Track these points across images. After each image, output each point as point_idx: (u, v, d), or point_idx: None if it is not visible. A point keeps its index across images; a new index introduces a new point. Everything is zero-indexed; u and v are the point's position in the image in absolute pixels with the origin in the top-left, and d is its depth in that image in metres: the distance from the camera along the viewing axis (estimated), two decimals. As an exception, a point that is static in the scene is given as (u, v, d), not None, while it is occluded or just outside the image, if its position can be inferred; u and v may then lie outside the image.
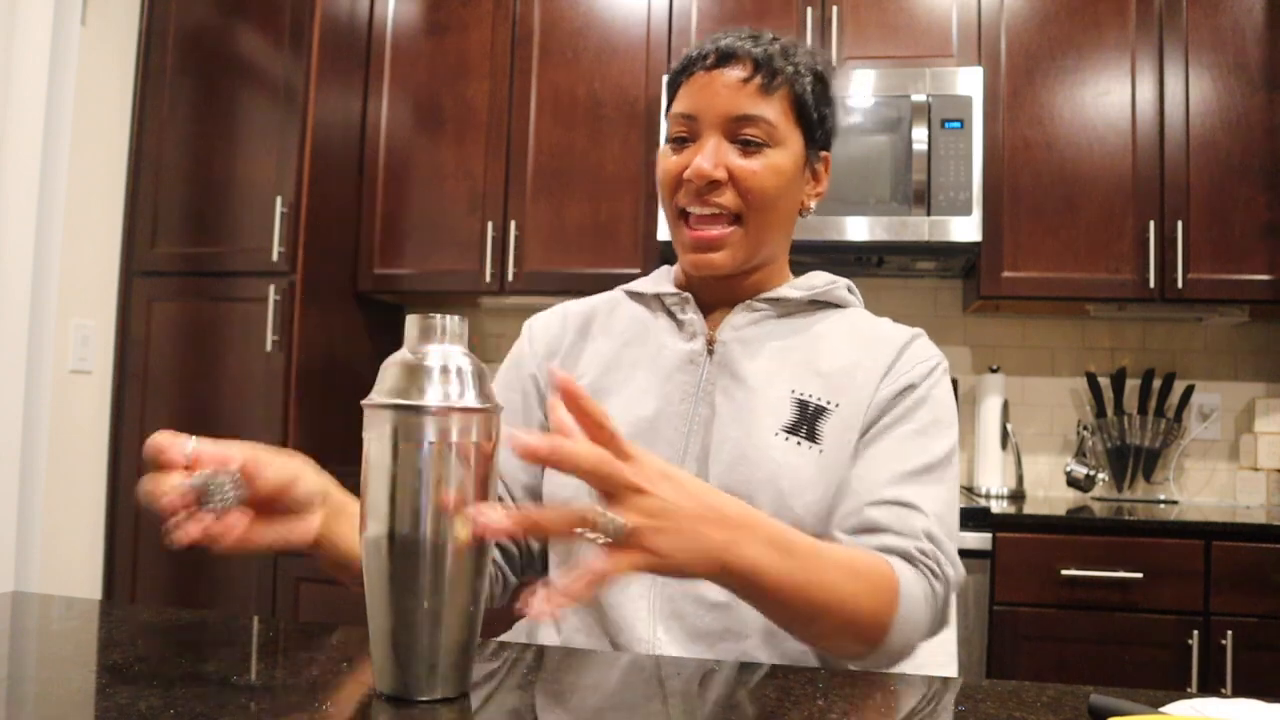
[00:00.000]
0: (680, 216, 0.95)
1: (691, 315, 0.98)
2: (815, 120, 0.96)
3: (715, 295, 1.00)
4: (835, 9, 2.50)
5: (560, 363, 1.03)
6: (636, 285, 1.07)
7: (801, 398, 0.93)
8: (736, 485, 0.88)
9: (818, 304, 1.01)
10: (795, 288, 1.00)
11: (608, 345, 1.02)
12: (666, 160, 0.95)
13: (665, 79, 0.99)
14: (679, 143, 0.95)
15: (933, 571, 0.84)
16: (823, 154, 1.00)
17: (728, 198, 0.92)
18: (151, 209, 2.58)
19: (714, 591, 0.86)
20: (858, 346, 0.97)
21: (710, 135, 0.92)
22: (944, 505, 0.89)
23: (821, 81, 0.97)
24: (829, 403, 0.93)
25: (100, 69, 2.54)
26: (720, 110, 0.92)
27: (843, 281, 1.03)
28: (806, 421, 0.92)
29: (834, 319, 1.00)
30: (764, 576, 0.68)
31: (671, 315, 1.01)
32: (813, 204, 1.00)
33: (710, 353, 0.97)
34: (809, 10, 2.50)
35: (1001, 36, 2.44)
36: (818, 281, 1.02)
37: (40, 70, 2.25)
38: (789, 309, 0.99)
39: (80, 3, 2.40)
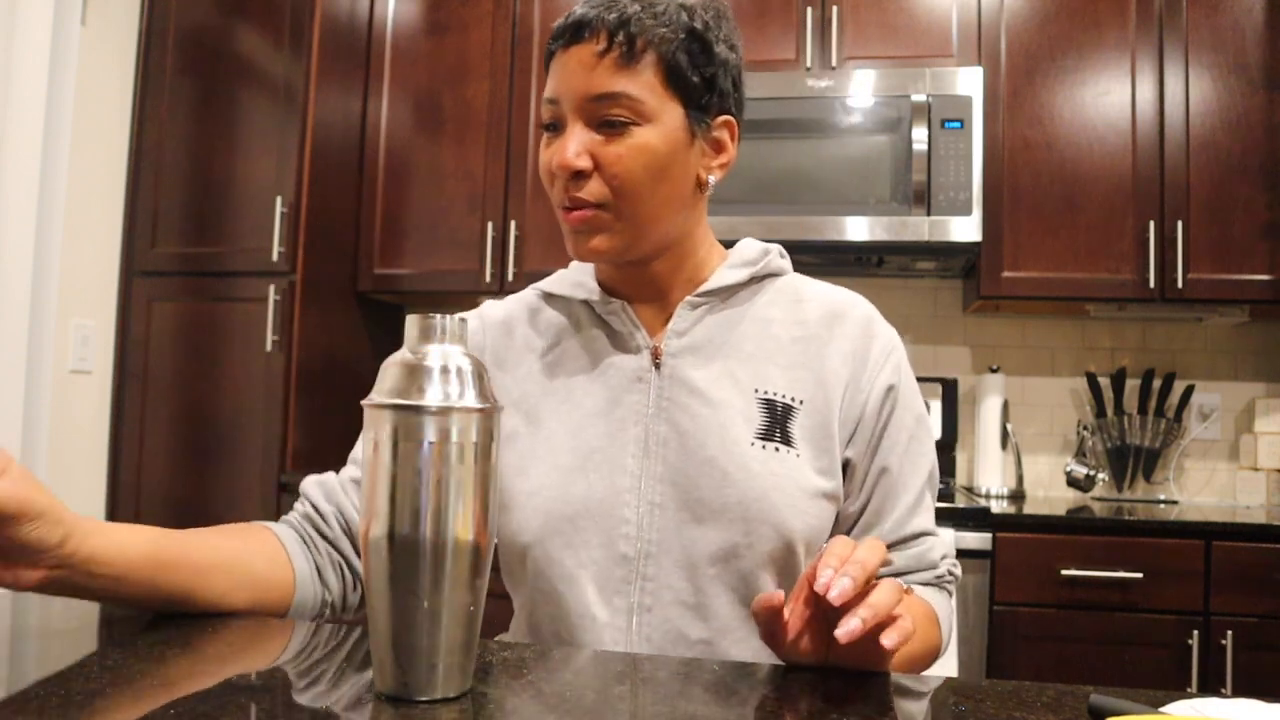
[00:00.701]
0: (560, 206, 0.87)
1: (631, 327, 0.91)
2: (696, 85, 0.85)
3: (644, 291, 0.92)
4: (835, 9, 2.50)
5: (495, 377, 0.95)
6: (553, 286, 0.97)
7: (767, 397, 0.88)
8: (732, 507, 0.84)
9: (759, 280, 0.95)
10: (732, 268, 0.93)
11: (538, 363, 0.94)
12: (541, 153, 0.88)
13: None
14: (550, 130, 0.87)
15: (951, 584, 0.94)
16: (721, 119, 0.89)
17: (593, 188, 0.83)
18: (151, 209, 2.58)
19: (695, 629, 0.85)
20: (809, 325, 0.92)
21: (573, 121, 0.84)
22: (933, 505, 0.94)
23: (698, 39, 0.84)
24: (794, 399, 0.88)
25: (100, 69, 2.54)
26: (578, 92, 0.83)
27: (774, 248, 0.97)
28: (778, 423, 0.87)
29: (772, 292, 0.95)
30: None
31: (605, 323, 0.93)
32: (712, 177, 0.89)
33: (658, 365, 0.90)
34: (809, 10, 2.50)
35: (1001, 36, 2.44)
36: (751, 254, 0.95)
37: (40, 70, 2.25)
38: (731, 294, 0.93)
39: (80, 3, 2.40)
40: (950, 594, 0.94)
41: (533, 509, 0.88)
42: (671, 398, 0.88)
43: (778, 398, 0.88)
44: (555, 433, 0.90)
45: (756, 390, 0.88)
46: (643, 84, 0.83)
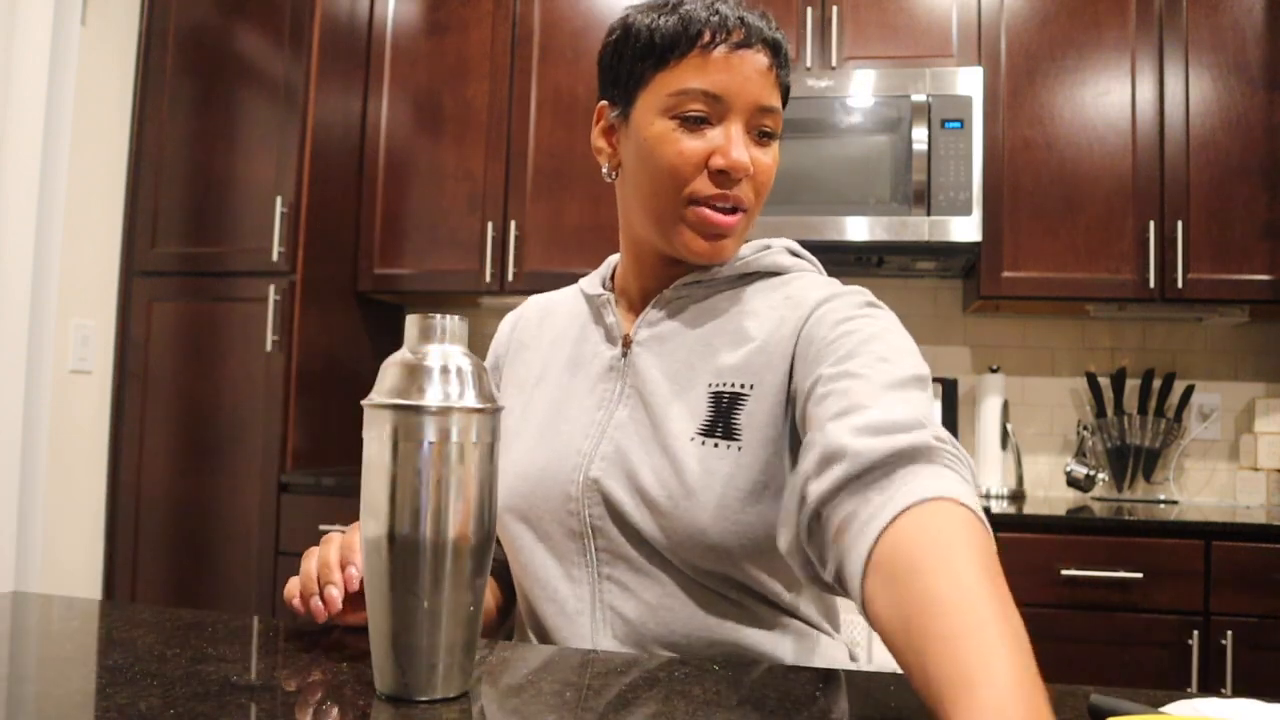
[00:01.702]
0: (689, 202, 0.86)
1: (611, 319, 0.95)
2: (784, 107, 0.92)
3: (652, 282, 0.94)
4: (835, 9, 2.50)
5: (521, 364, 1.02)
6: (584, 284, 1.03)
7: (717, 390, 0.86)
8: (661, 502, 0.83)
9: (748, 276, 0.93)
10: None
11: (545, 350, 1.00)
12: (681, 142, 0.85)
13: (640, 38, 0.87)
14: (696, 123, 0.85)
15: (954, 456, 0.67)
16: None
17: (745, 190, 0.87)
18: (151, 209, 2.58)
19: (651, 593, 0.85)
20: (769, 310, 0.89)
21: (735, 122, 0.86)
22: (921, 402, 0.74)
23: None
24: (744, 385, 0.85)
25: (100, 69, 2.54)
26: (751, 98, 0.86)
27: (780, 244, 0.96)
28: (721, 416, 0.85)
29: (765, 290, 0.92)
30: None
31: (600, 314, 0.97)
32: None
33: (625, 354, 0.92)
34: (809, 10, 2.50)
35: (1001, 36, 2.44)
36: (746, 250, 0.94)
37: (40, 70, 2.25)
38: (715, 288, 0.92)
39: (80, 3, 2.40)
40: (958, 469, 0.66)
41: (501, 483, 0.90)
42: (634, 386, 0.91)
43: (727, 388, 0.86)
44: (537, 416, 0.95)
45: (710, 384, 0.87)
46: (779, 103, 0.90)
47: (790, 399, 0.84)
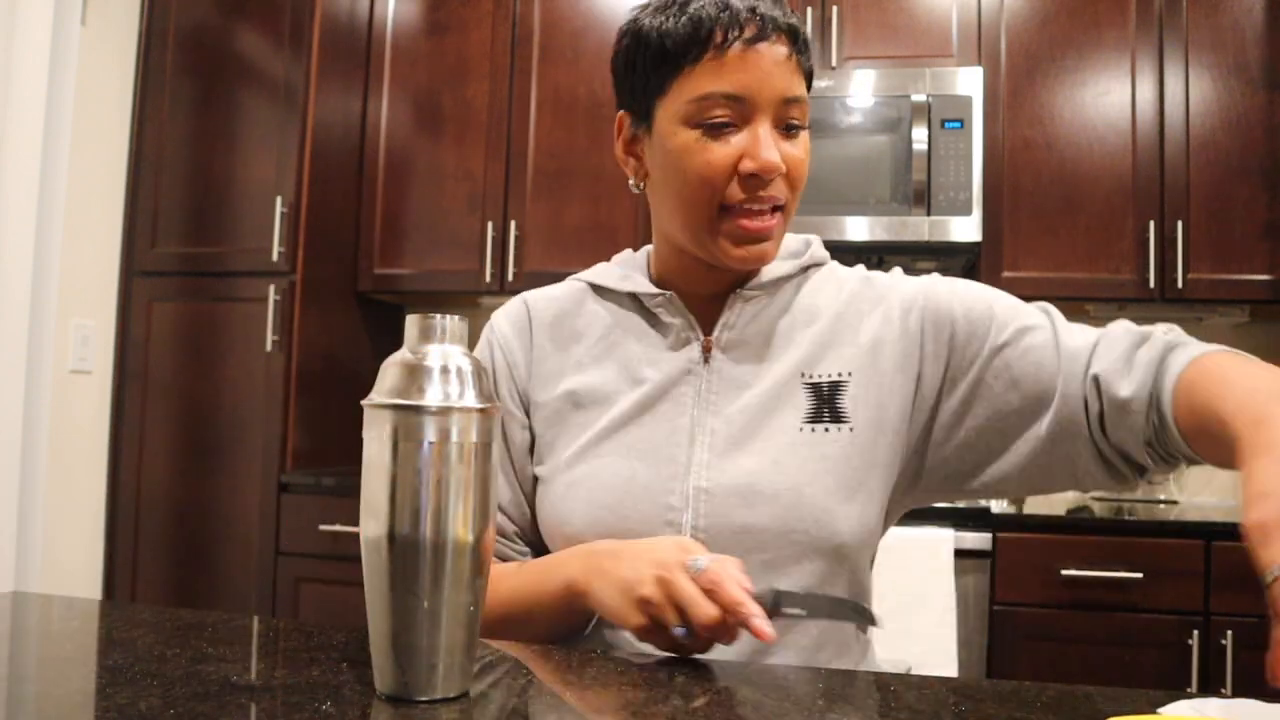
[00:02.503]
0: (722, 210, 0.84)
1: (679, 319, 0.91)
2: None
3: (699, 286, 0.91)
4: (835, 9, 2.50)
5: (534, 377, 0.94)
6: (602, 279, 0.96)
7: (813, 380, 0.88)
8: (783, 494, 0.83)
9: (806, 270, 0.94)
10: (782, 260, 0.93)
11: (587, 353, 0.93)
12: (709, 151, 0.82)
13: (651, 45, 0.85)
14: (718, 128, 0.82)
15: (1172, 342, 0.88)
16: None
17: (779, 189, 0.84)
18: (151, 209, 2.59)
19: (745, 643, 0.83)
20: (846, 302, 0.92)
21: (761, 122, 0.82)
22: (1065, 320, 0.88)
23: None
24: (841, 373, 0.88)
25: (100, 69, 2.54)
26: (776, 93, 0.82)
27: (814, 238, 0.98)
28: (825, 403, 0.87)
29: (817, 280, 0.94)
30: None
31: (653, 316, 0.92)
32: None
33: (707, 359, 0.90)
34: (809, 10, 2.50)
35: (1001, 36, 2.44)
36: (796, 245, 0.96)
37: (40, 70, 2.25)
38: (779, 285, 0.92)
39: (80, 3, 2.40)
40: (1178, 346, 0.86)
41: (576, 498, 0.88)
42: (719, 391, 0.88)
43: (823, 378, 0.88)
44: (599, 423, 0.90)
45: (803, 375, 0.88)
46: (804, 90, 0.86)
47: (919, 381, 0.89)
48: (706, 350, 0.90)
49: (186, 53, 2.60)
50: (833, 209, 2.35)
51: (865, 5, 2.50)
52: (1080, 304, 2.44)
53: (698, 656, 0.73)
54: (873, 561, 0.93)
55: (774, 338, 0.90)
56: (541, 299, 0.99)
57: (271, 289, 2.43)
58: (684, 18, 0.82)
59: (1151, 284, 2.33)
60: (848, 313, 0.91)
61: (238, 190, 2.52)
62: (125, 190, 2.62)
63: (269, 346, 2.43)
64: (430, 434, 0.58)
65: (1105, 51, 2.40)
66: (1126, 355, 0.84)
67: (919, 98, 2.36)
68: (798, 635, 0.84)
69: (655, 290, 0.92)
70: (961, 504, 2.12)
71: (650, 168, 0.90)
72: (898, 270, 0.97)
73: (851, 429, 0.86)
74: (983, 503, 2.23)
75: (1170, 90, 2.37)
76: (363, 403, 0.61)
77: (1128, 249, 2.36)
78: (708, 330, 0.91)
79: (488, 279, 2.61)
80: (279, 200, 2.45)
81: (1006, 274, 2.39)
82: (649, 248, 0.99)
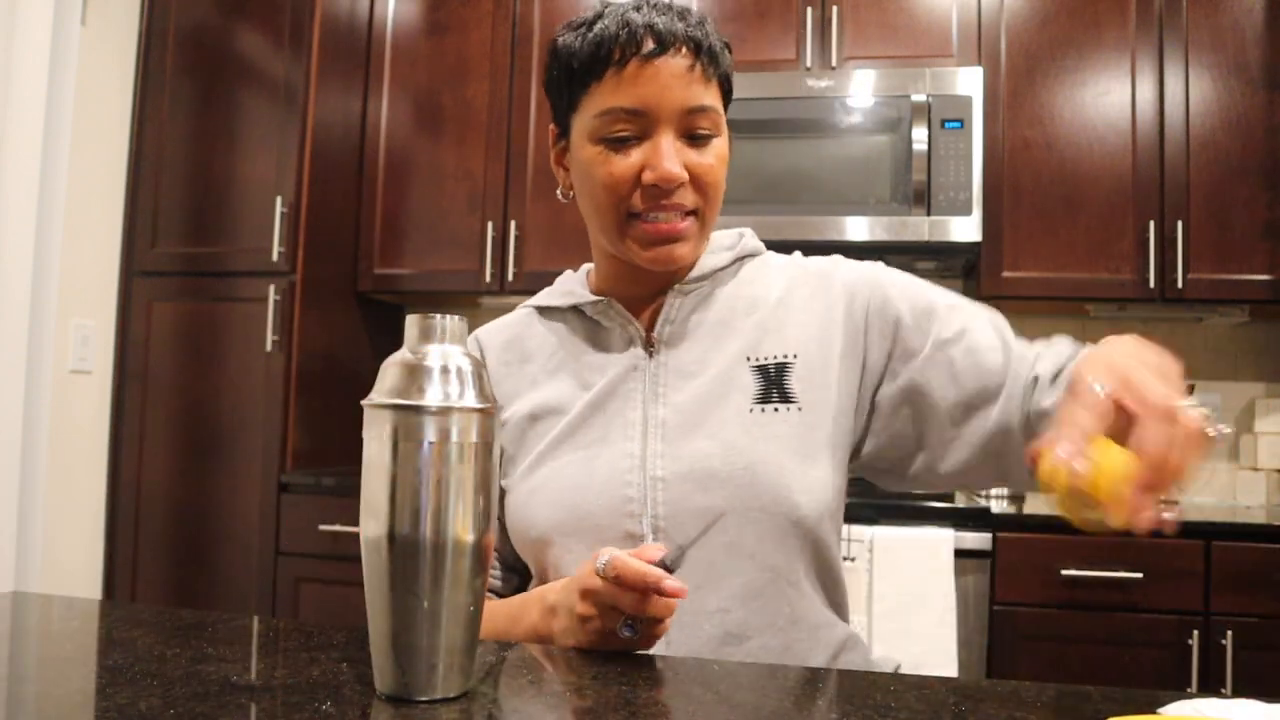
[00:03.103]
0: (629, 218, 0.89)
1: (619, 321, 0.94)
2: (730, 96, 0.92)
3: (637, 288, 0.95)
4: (835, 9, 2.50)
5: (497, 392, 0.97)
6: (546, 300, 1.01)
7: (759, 363, 0.91)
8: (738, 474, 0.86)
9: (739, 260, 0.98)
10: (714, 253, 0.97)
11: (540, 370, 0.97)
12: (611, 164, 0.87)
13: (563, 64, 0.89)
14: (620, 142, 0.87)
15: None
16: None
17: (686, 196, 0.87)
18: (151, 209, 2.58)
19: (711, 599, 0.85)
20: (784, 287, 0.96)
21: (664, 132, 0.85)
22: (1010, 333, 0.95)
23: (730, 53, 0.92)
24: (787, 356, 0.91)
25: (100, 69, 2.54)
26: (675, 104, 0.85)
27: (746, 230, 1.01)
28: (773, 384, 0.90)
29: (750, 269, 0.98)
30: None
31: (596, 324, 0.96)
32: None
33: (650, 354, 0.93)
34: (809, 10, 2.50)
35: (1001, 36, 2.44)
36: (728, 239, 0.99)
37: (40, 70, 2.25)
38: (716, 277, 0.96)
39: (80, 3, 2.40)
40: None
41: (538, 503, 0.90)
42: (667, 382, 0.92)
43: (769, 360, 0.91)
44: (555, 430, 0.93)
45: (748, 359, 0.91)
46: (715, 97, 0.88)
47: (863, 368, 0.93)
48: (650, 346, 0.94)
49: (186, 53, 2.60)
50: (833, 209, 2.35)
51: (865, 5, 2.50)
52: (1080, 304, 2.44)
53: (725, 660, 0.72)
54: (839, 533, 0.95)
55: (715, 327, 0.94)
56: (491, 329, 1.04)
57: (271, 289, 2.43)
58: (590, 35, 0.86)
59: (1151, 284, 2.33)
60: (789, 297, 0.95)
61: (238, 190, 2.51)
62: (125, 190, 2.62)
63: (269, 346, 2.43)
64: (430, 434, 0.58)
65: (1105, 51, 2.40)
66: (1058, 364, 0.89)
67: (919, 98, 2.36)
68: (766, 615, 0.86)
69: (594, 298, 0.96)
70: (961, 504, 2.12)
71: (574, 180, 0.95)
72: (837, 256, 1.01)
73: (800, 409, 0.89)
74: (983, 502, 2.23)
75: (1170, 90, 2.37)
76: (363, 403, 0.61)
77: (1128, 249, 2.36)
78: (651, 327, 0.95)
79: (488, 279, 2.61)
80: (279, 200, 2.45)
81: (1006, 274, 2.39)
82: (588, 265, 1.04)
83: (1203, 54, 2.36)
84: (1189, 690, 1.93)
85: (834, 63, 2.49)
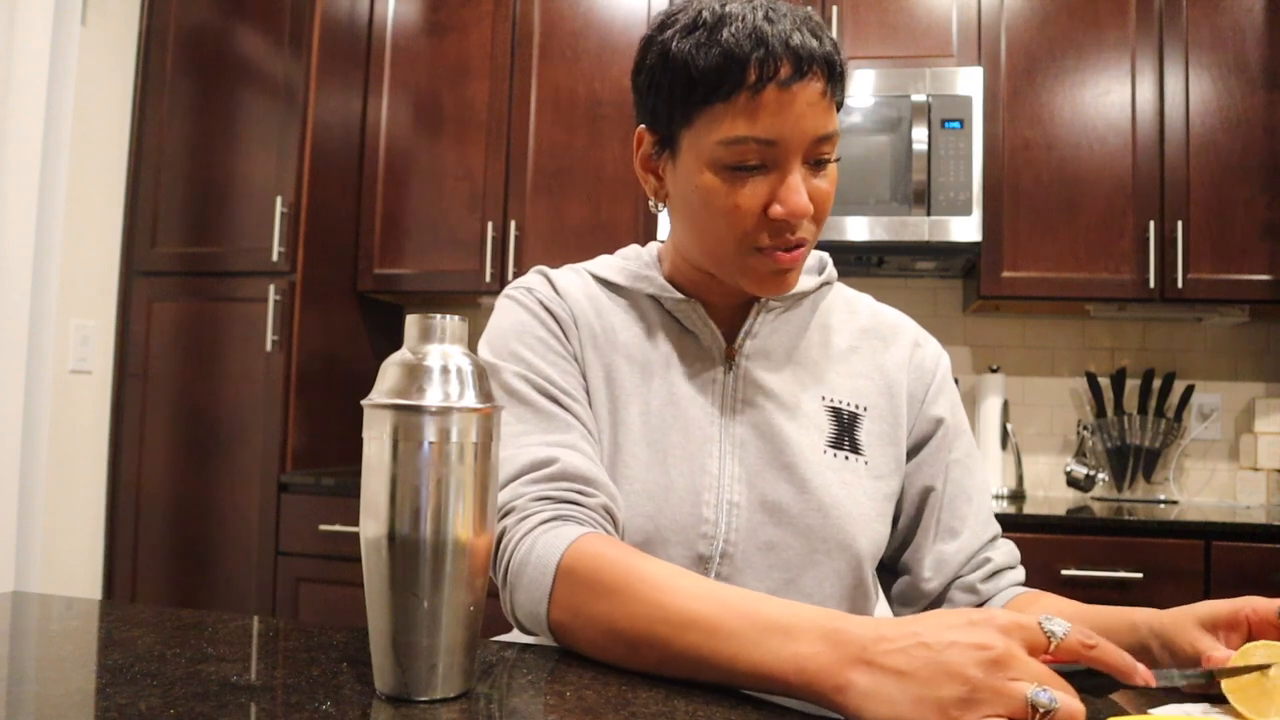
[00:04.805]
0: (751, 249, 0.82)
1: (704, 327, 0.90)
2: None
3: (719, 297, 0.91)
4: (835, 9, 2.50)
5: (592, 350, 0.90)
6: (612, 275, 0.93)
7: (834, 405, 0.90)
8: (811, 514, 0.85)
9: (822, 288, 0.96)
10: (804, 274, 0.95)
11: (608, 343, 0.90)
12: (736, 195, 0.79)
13: (678, 72, 0.80)
14: (747, 171, 0.79)
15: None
16: None
17: (807, 228, 0.82)
18: (151, 209, 2.59)
19: None
20: (863, 335, 0.96)
21: (794, 164, 0.79)
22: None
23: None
24: (858, 407, 0.91)
25: (100, 69, 2.54)
26: (808, 134, 0.78)
27: (827, 256, 0.99)
28: (845, 431, 0.89)
29: (831, 299, 0.97)
30: None
31: (674, 320, 0.92)
32: None
33: (730, 367, 0.89)
34: (809, 10, 2.50)
35: (1001, 36, 2.44)
36: (814, 262, 0.98)
37: (40, 70, 2.25)
38: (799, 300, 0.93)
39: (80, 3, 2.40)
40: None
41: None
42: (746, 399, 0.89)
43: (844, 405, 0.90)
44: (629, 419, 0.88)
45: (824, 398, 0.90)
46: (837, 120, 0.82)
47: (909, 430, 0.95)
48: (730, 358, 0.90)
49: (186, 53, 2.60)
50: (833, 209, 2.34)
51: (865, 5, 2.50)
52: (1080, 304, 2.44)
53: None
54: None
55: (794, 352, 0.92)
56: (562, 280, 0.94)
57: (271, 289, 2.43)
58: (715, 48, 0.77)
59: (1151, 284, 2.33)
60: (862, 346, 0.95)
61: (238, 190, 2.52)
62: (125, 190, 2.62)
63: (269, 346, 2.43)
64: (430, 434, 0.58)
65: (1105, 51, 2.40)
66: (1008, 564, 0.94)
67: (919, 98, 2.36)
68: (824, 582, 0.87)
69: (680, 296, 0.90)
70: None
71: (672, 192, 0.87)
72: (899, 313, 1.01)
73: (866, 463, 0.90)
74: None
75: (1170, 90, 2.37)
76: (363, 403, 0.61)
77: (1127, 249, 2.36)
78: (729, 338, 0.91)
79: (488, 279, 2.61)
80: (279, 200, 2.45)
81: (1006, 274, 2.39)
82: (656, 246, 0.98)
83: (1203, 54, 2.36)
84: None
85: (834, 63, 2.49)
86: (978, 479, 0.95)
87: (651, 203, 0.90)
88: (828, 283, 0.96)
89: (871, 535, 0.88)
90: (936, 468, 0.93)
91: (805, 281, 0.93)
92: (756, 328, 0.90)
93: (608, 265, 0.95)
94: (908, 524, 0.94)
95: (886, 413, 0.92)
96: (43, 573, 2.28)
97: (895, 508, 0.94)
